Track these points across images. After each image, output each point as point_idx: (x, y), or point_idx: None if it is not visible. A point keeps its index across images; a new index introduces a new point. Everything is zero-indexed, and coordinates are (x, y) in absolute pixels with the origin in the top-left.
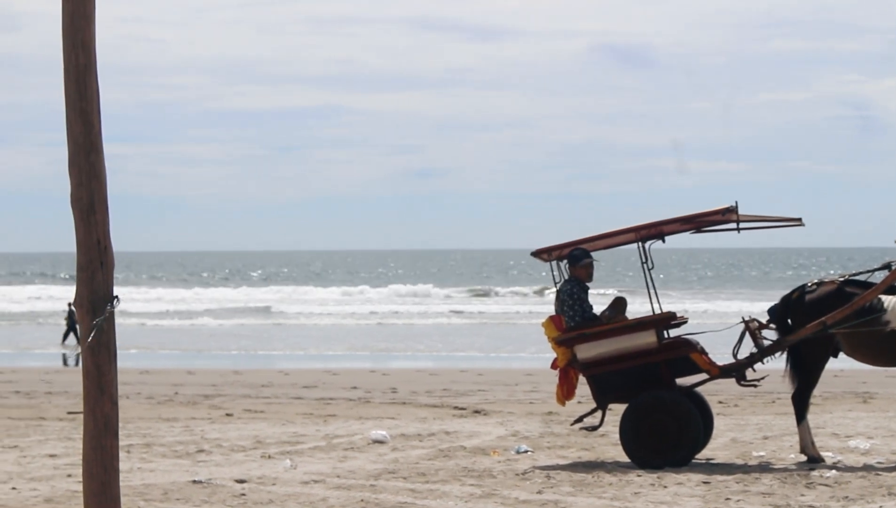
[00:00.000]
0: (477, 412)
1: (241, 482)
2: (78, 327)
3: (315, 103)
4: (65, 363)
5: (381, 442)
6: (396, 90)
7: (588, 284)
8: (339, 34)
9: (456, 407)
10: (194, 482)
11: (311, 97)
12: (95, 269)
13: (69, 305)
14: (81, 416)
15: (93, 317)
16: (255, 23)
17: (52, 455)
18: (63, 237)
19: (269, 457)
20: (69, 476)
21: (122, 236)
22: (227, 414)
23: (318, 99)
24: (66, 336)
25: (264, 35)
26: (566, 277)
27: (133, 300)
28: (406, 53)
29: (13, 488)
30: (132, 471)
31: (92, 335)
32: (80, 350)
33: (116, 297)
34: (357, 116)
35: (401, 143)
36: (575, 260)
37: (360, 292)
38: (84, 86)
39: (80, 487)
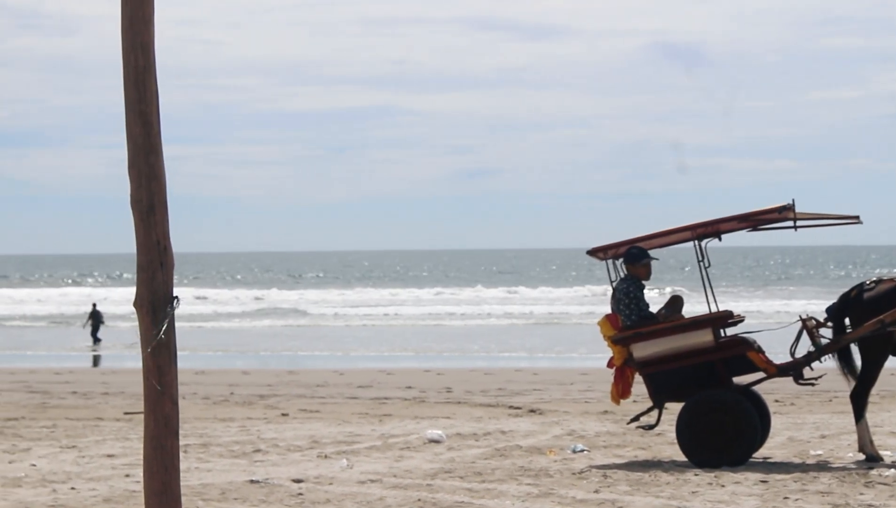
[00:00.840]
0: (532, 411)
1: (299, 481)
2: (101, 326)
3: (369, 104)
4: (95, 364)
5: (436, 442)
6: (450, 90)
7: (644, 282)
8: (393, 34)
9: (511, 406)
10: (252, 481)
11: (364, 98)
12: (155, 269)
13: (93, 305)
14: (138, 416)
15: (153, 318)
16: (309, 24)
17: (109, 455)
18: (121, 239)
19: (326, 457)
20: (127, 476)
21: (177, 237)
22: (283, 414)
23: (371, 99)
24: (94, 336)
25: (318, 36)
26: (622, 275)
27: (189, 303)
28: (460, 53)
29: (72, 488)
30: (190, 471)
31: (155, 339)
32: (97, 349)
33: (176, 298)
34: (411, 117)
35: (455, 143)
36: (634, 259)
37: (413, 293)
38: (143, 88)
39: (138, 487)
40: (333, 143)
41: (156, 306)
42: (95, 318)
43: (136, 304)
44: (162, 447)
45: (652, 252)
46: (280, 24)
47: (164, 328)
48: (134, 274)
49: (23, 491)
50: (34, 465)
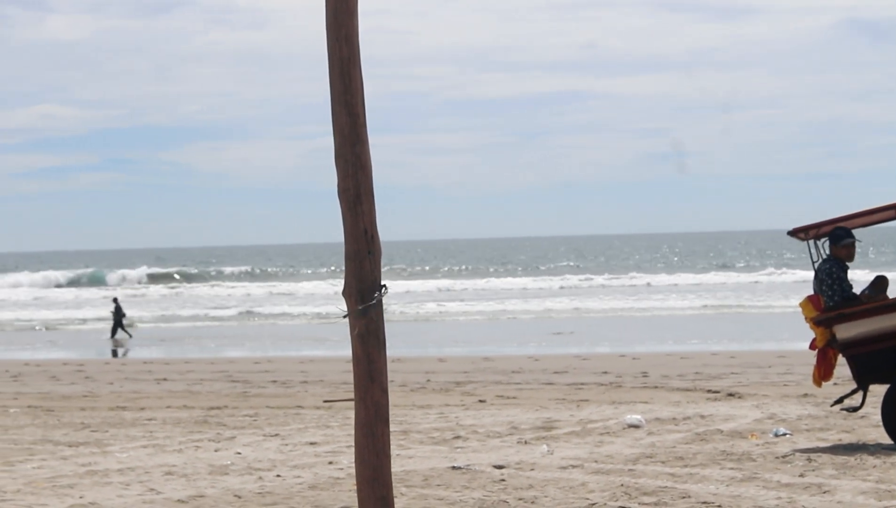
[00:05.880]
0: (731, 395)
1: (500, 467)
2: (124, 321)
3: (558, 89)
4: (114, 355)
5: (636, 427)
6: (640, 73)
7: (848, 263)
8: (581, 19)
9: (709, 391)
10: (453, 468)
11: (554, 83)
12: (363, 258)
13: (114, 300)
14: (338, 405)
15: (361, 306)
16: (497, 11)
17: (311, 443)
18: (316, 229)
19: (526, 443)
20: (330, 463)
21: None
22: (480, 401)
23: (561, 84)
24: (114, 331)
25: (506, 23)
26: (824, 256)
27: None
28: (649, 35)
29: (278, 475)
30: (392, 458)
31: (364, 324)
32: (119, 343)
33: (384, 285)
34: (601, 101)
35: (645, 126)
36: (836, 239)
37: (604, 280)
38: (349, 78)
39: (342, 474)
40: (523, 129)
41: (364, 294)
42: (117, 313)
43: (344, 292)
44: (373, 434)
45: (856, 232)
46: (467, 12)
47: (373, 317)
48: (313, 267)
49: (230, 479)
50: (239, 453)
